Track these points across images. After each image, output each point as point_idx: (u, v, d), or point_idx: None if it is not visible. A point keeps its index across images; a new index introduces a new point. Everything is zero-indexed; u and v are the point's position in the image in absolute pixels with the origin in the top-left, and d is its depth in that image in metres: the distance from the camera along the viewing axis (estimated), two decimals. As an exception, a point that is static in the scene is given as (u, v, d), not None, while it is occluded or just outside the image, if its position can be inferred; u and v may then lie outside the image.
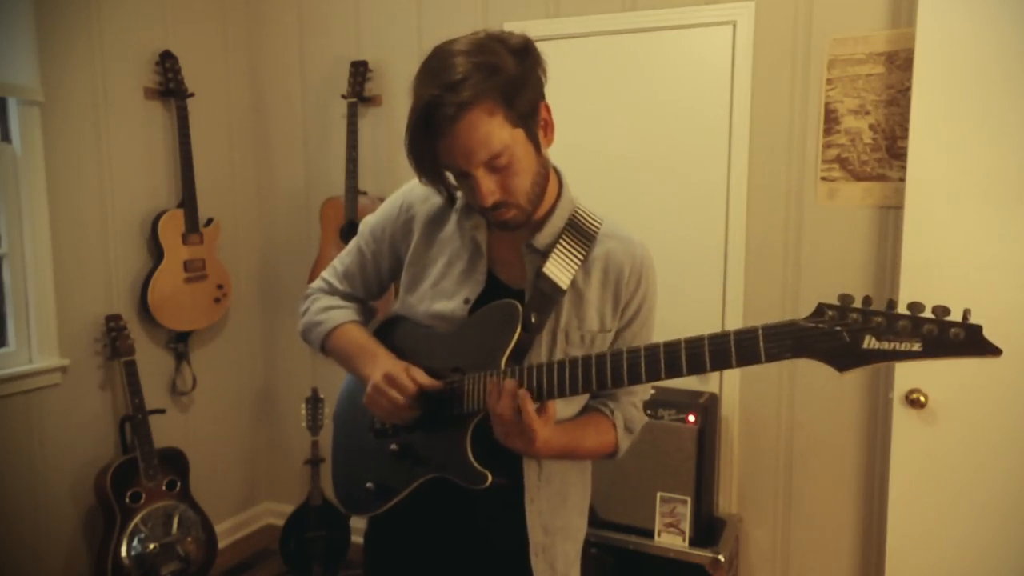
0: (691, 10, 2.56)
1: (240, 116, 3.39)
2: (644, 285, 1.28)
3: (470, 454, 1.20)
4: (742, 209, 2.55)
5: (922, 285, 2.10)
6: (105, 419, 2.84)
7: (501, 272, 1.29)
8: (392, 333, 1.37)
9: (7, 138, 2.55)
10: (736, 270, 2.59)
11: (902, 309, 0.89)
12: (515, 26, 2.82)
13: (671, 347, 1.03)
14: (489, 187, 1.13)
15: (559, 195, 1.27)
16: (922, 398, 2.11)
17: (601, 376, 1.09)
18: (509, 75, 1.09)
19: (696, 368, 1.01)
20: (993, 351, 0.82)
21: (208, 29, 3.22)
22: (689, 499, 2.38)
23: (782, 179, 2.51)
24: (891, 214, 2.38)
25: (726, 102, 2.55)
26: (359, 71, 3.05)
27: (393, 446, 1.31)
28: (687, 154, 2.62)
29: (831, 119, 2.42)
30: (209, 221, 3.10)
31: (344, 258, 1.45)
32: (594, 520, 2.45)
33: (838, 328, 0.90)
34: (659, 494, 2.41)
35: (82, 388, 2.76)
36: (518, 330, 1.18)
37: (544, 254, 1.24)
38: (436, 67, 1.10)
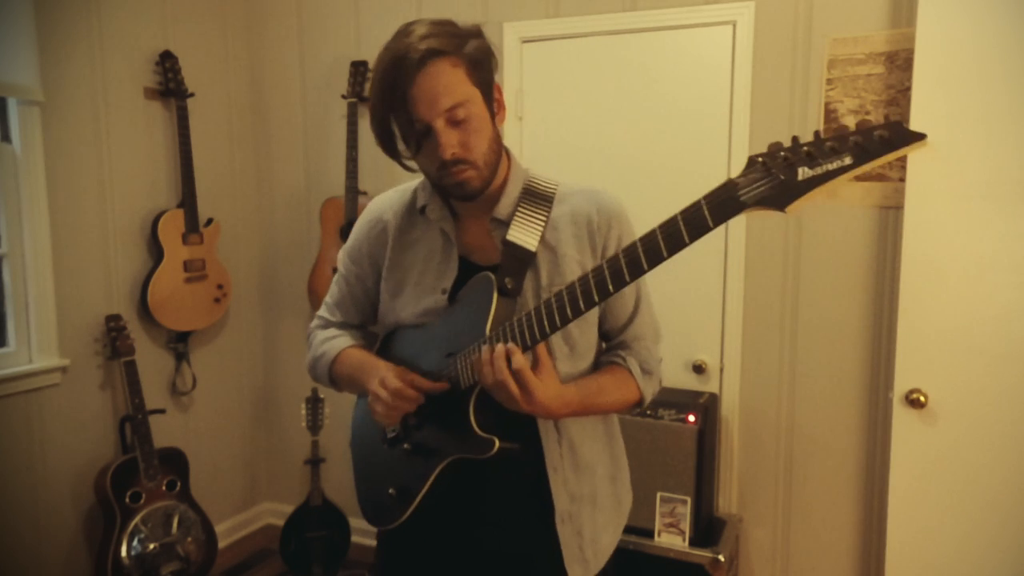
0: (691, 10, 2.56)
1: (240, 116, 3.39)
2: (617, 226, 1.30)
3: (474, 425, 1.21)
4: (742, 209, 2.55)
5: (922, 285, 2.10)
6: (105, 419, 2.84)
7: (476, 256, 1.32)
8: (392, 344, 1.39)
9: (7, 138, 2.55)
10: (736, 270, 2.59)
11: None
12: (515, 26, 2.82)
13: (628, 250, 1.05)
14: (450, 140, 1.18)
15: (509, 168, 1.32)
16: (922, 398, 2.11)
17: (573, 298, 1.09)
18: (470, 46, 1.19)
19: (655, 258, 1.02)
20: (917, 137, 0.84)
21: (208, 29, 3.22)
22: (689, 499, 2.38)
23: (782, 179, 2.50)
24: (891, 214, 2.38)
25: (726, 102, 2.55)
26: (359, 71, 3.05)
27: (406, 446, 1.32)
28: (687, 154, 2.62)
29: (831, 119, 2.42)
30: (209, 221, 3.10)
31: (332, 290, 1.49)
32: (594, 520, 2.45)
33: (773, 171, 0.91)
34: (659, 494, 2.41)
35: (82, 388, 2.76)
36: (495, 295, 1.20)
37: (507, 223, 1.28)
38: (401, 32, 1.19)
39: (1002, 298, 2.02)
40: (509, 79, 2.85)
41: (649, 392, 1.34)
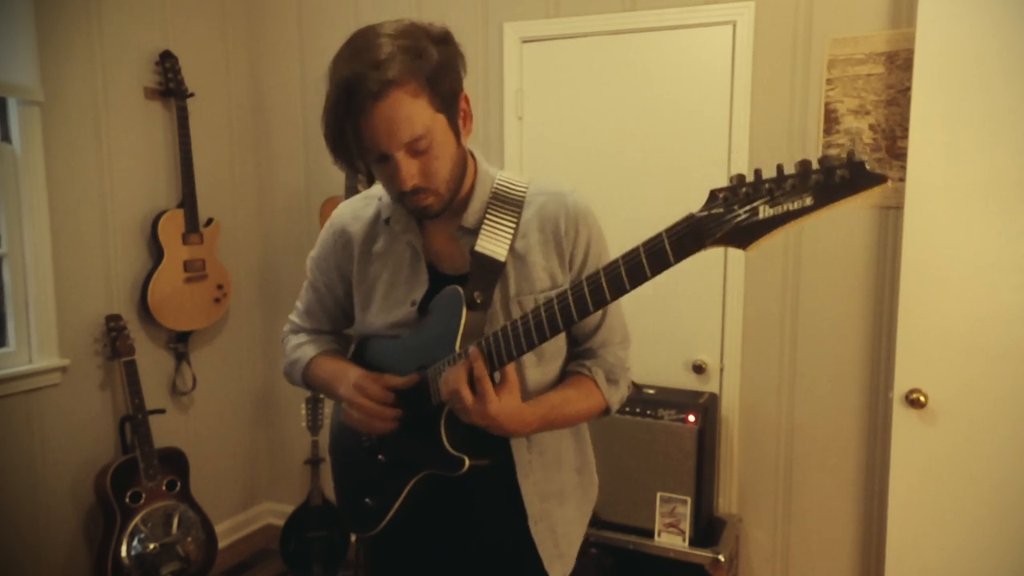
0: (691, 10, 2.56)
1: (240, 116, 3.39)
2: (585, 231, 1.26)
3: (445, 442, 1.20)
4: (742, 209, 2.55)
5: (922, 285, 2.10)
6: (105, 419, 2.84)
7: (444, 265, 1.29)
8: (364, 353, 1.38)
9: (7, 138, 2.55)
10: (736, 270, 2.59)
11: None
12: (515, 26, 2.82)
13: (592, 279, 1.03)
14: (409, 171, 1.13)
15: (476, 173, 1.27)
16: (922, 398, 2.10)
17: (539, 323, 1.07)
18: (433, 60, 1.10)
19: (618, 289, 1.00)
20: (878, 180, 0.81)
21: (208, 29, 3.22)
22: (689, 499, 2.38)
23: (782, 179, 2.50)
24: (891, 214, 2.38)
25: (726, 102, 2.55)
26: (359, 71, 3.04)
27: (381, 457, 1.32)
28: (687, 154, 2.62)
29: (831, 119, 2.42)
30: (209, 221, 3.10)
31: (302, 296, 1.48)
32: (594, 520, 2.44)
33: (735, 207, 0.89)
34: (659, 494, 2.41)
35: (82, 388, 2.76)
36: (463, 311, 1.18)
37: (476, 231, 1.24)
38: (360, 46, 1.09)
39: (1002, 298, 2.02)
40: (509, 79, 2.85)
41: (615, 401, 1.32)
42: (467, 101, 1.20)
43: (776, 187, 0.86)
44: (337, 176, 3.16)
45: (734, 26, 2.52)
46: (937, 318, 2.08)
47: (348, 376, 1.29)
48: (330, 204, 3.10)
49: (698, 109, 2.60)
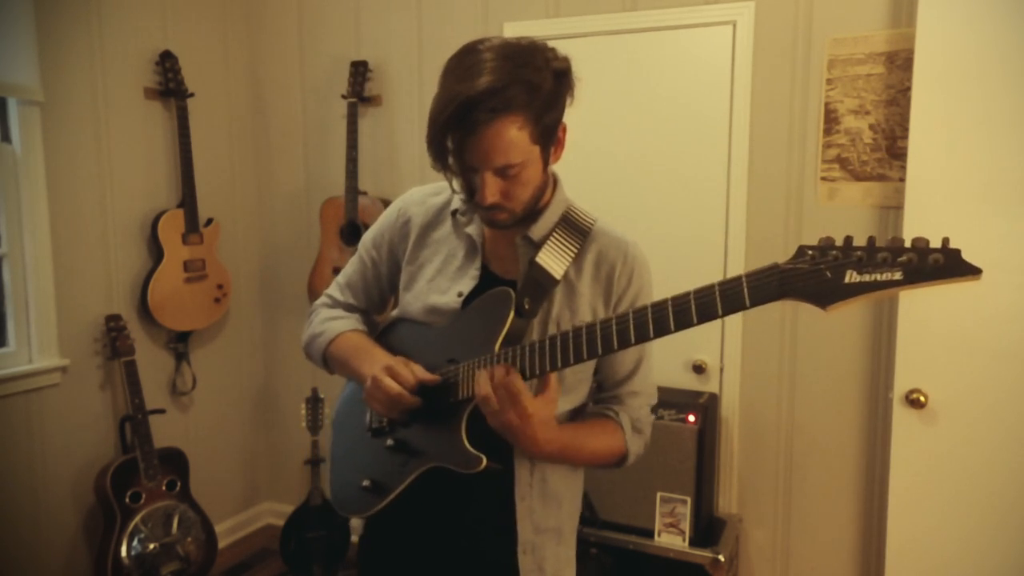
0: (691, 10, 2.56)
1: (240, 116, 3.39)
2: (637, 281, 1.28)
3: (465, 438, 1.19)
4: (742, 209, 2.55)
5: (922, 285, 2.10)
6: (105, 419, 2.84)
7: (495, 266, 1.31)
8: (392, 335, 1.39)
9: (7, 138, 2.55)
10: (736, 270, 2.59)
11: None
12: (515, 26, 2.82)
13: (658, 307, 1.03)
14: (492, 190, 1.16)
15: (554, 192, 1.30)
16: (922, 398, 2.11)
17: (591, 342, 1.08)
18: (545, 94, 1.13)
19: (684, 323, 1.01)
20: (973, 271, 0.83)
21: (208, 29, 3.22)
22: (689, 499, 2.38)
23: (782, 179, 2.51)
24: (891, 214, 2.38)
25: (726, 102, 2.55)
26: (359, 71, 3.05)
27: (389, 442, 1.31)
28: (687, 154, 2.62)
29: (831, 119, 2.42)
30: (209, 221, 3.10)
31: (347, 270, 1.49)
32: (594, 520, 2.45)
33: (821, 266, 0.90)
34: (659, 494, 2.41)
35: (82, 388, 2.76)
36: (511, 314, 1.19)
37: (538, 245, 1.26)
38: (479, 66, 1.11)
39: (1002, 298, 2.02)
40: (509, 79, 2.85)
41: (634, 450, 1.32)
42: (564, 131, 1.23)
43: (867, 256, 0.88)
44: (337, 176, 3.16)
45: (734, 26, 2.52)
46: (937, 318, 2.09)
47: (376, 356, 1.29)
48: (330, 204, 3.10)
49: (698, 109, 2.59)
